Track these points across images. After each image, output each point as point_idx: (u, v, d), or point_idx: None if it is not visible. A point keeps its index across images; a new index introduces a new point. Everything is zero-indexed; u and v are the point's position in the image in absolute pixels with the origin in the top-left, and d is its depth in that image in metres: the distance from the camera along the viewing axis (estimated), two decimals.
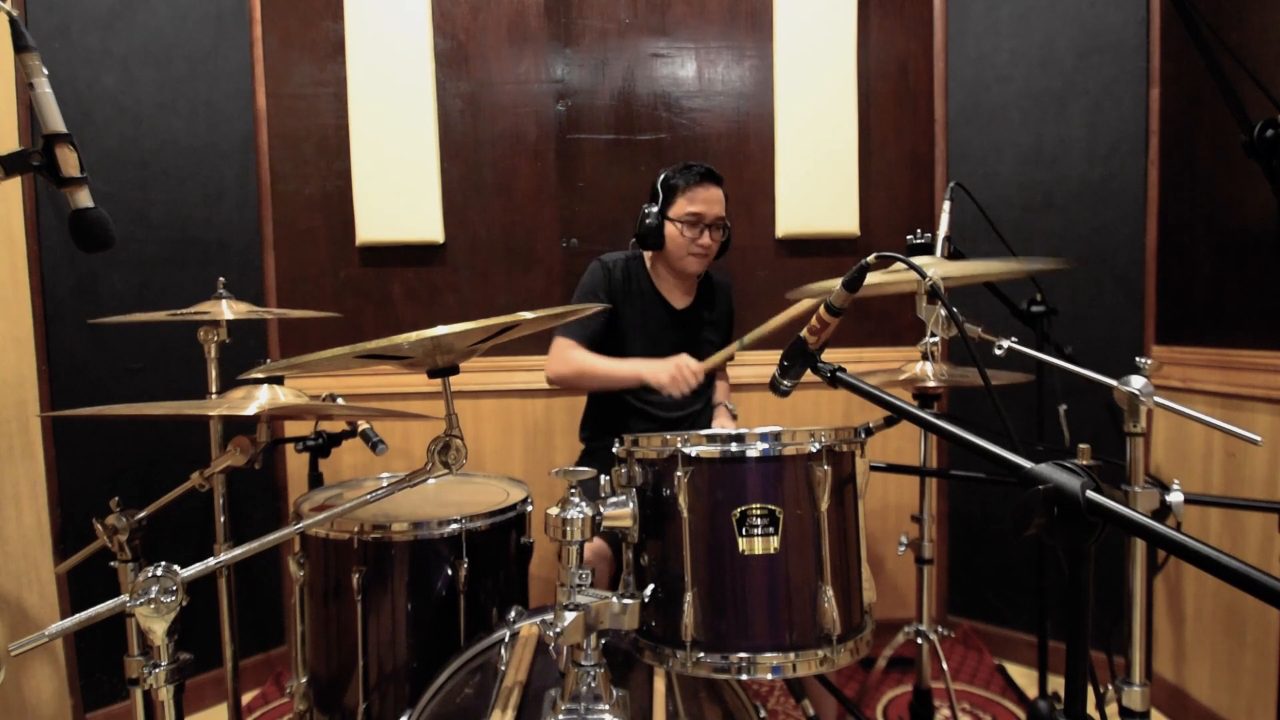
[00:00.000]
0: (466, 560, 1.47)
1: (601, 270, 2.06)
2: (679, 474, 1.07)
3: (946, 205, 1.72)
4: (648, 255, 2.11)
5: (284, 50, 2.51)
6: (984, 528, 2.63)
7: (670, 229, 1.99)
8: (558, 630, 0.99)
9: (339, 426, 1.89)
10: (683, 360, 1.85)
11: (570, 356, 1.97)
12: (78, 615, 0.85)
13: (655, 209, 2.00)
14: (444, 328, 0.96)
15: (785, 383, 1.09)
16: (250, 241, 2.50)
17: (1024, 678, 2.41)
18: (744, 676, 1.06)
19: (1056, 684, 2.01)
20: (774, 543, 1.06)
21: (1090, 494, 0.68)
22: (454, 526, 1.47)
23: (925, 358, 1.85)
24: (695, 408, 2.14)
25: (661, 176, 2.03)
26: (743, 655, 1.05)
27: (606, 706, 1.01)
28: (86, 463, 2.12)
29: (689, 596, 1.06)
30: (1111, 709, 1.20)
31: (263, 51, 2.50)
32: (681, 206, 1.98)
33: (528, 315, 1.04)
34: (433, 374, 1.10)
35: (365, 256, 2.56)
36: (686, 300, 2.13)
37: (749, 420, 2.43)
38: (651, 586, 1.10)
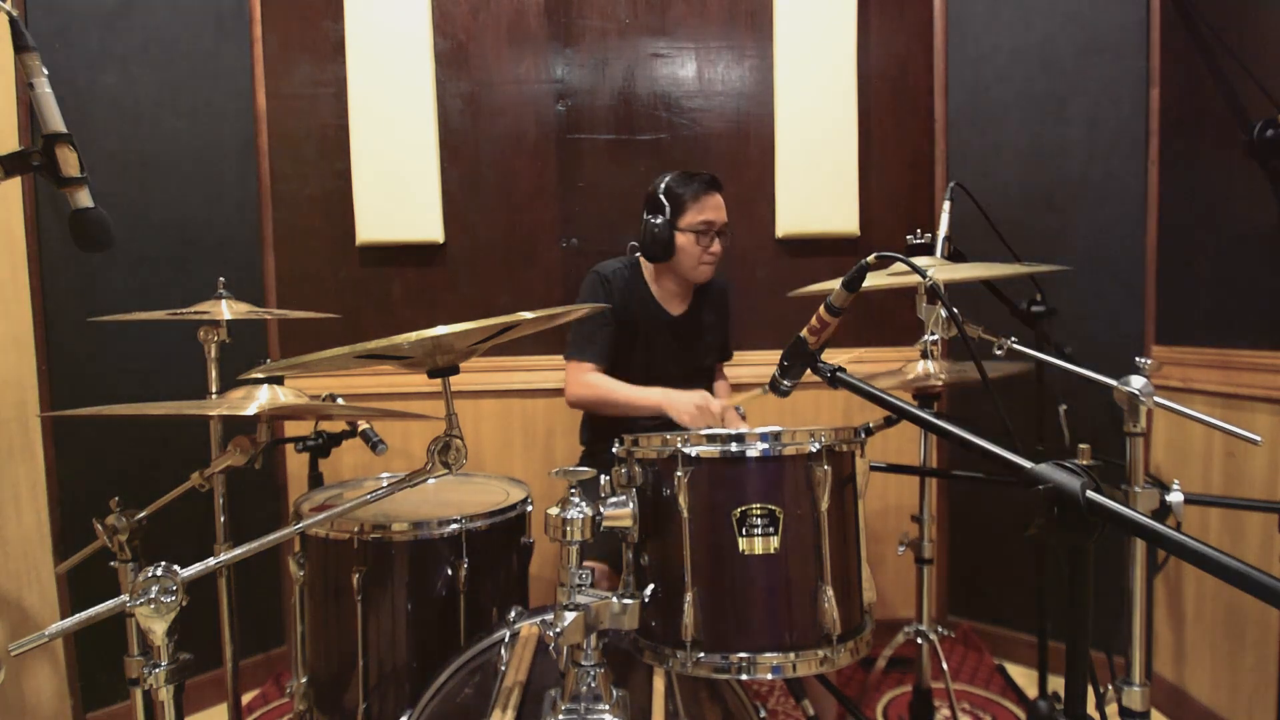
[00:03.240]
0: (466, 560, 1.47)
1: (598, 282, 2.04)
2: (679, 474, 1.07)
3: (946, 205, 1.72)
4: (646, 264, 2.10)
5: (284, 50, 2.51)
6: (984, 528, 2.63)
7: (682, 239, 1.98)
8: (558, 630, 0.99)
9: (339, 426, 1.89)
10: (708, 400, 1.83)
11: (590, 381, 1.98)
12: (78, 615, 0.85)
13: (662, 219, 1.98)
14: (444, 328, 0.96)
15: (785, 383, 1.09)
16: (250, 241, 2.50)
17: (1024, 678, 2.41)
18: (744, 676, 1.06)
19: (1056, 684, 2.01)
20: (774, 543, 1.06)
21: (1090, 494, 0.68)
22: (454, 526, 1.47)
23: (925, 357, 1.85)
24: None
25: (662, 185, 2.00)
26: (743, 655, 1.05)
27: (606, 706, 1.01)
28: (86, 463, 2.12)
29: (689, 596, 1.06)
30: (1111, 709, 1.20)
31: (263, 51, 2.50)
32: (693, 216, 1.97)
33: (528, 315, 1.04)
34: (433, 374, 1.10)
35: (365, 256, 2.56)
36: (683, 307, 2.12)
37: (749, 420, 2.43)
38: (651, 586, 1.10)
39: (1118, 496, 0.68)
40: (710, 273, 2.04)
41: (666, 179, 2.01)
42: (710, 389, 2.23)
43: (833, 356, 1.07)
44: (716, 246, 2.00)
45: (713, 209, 1.99)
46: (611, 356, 2.02)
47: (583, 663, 1.03)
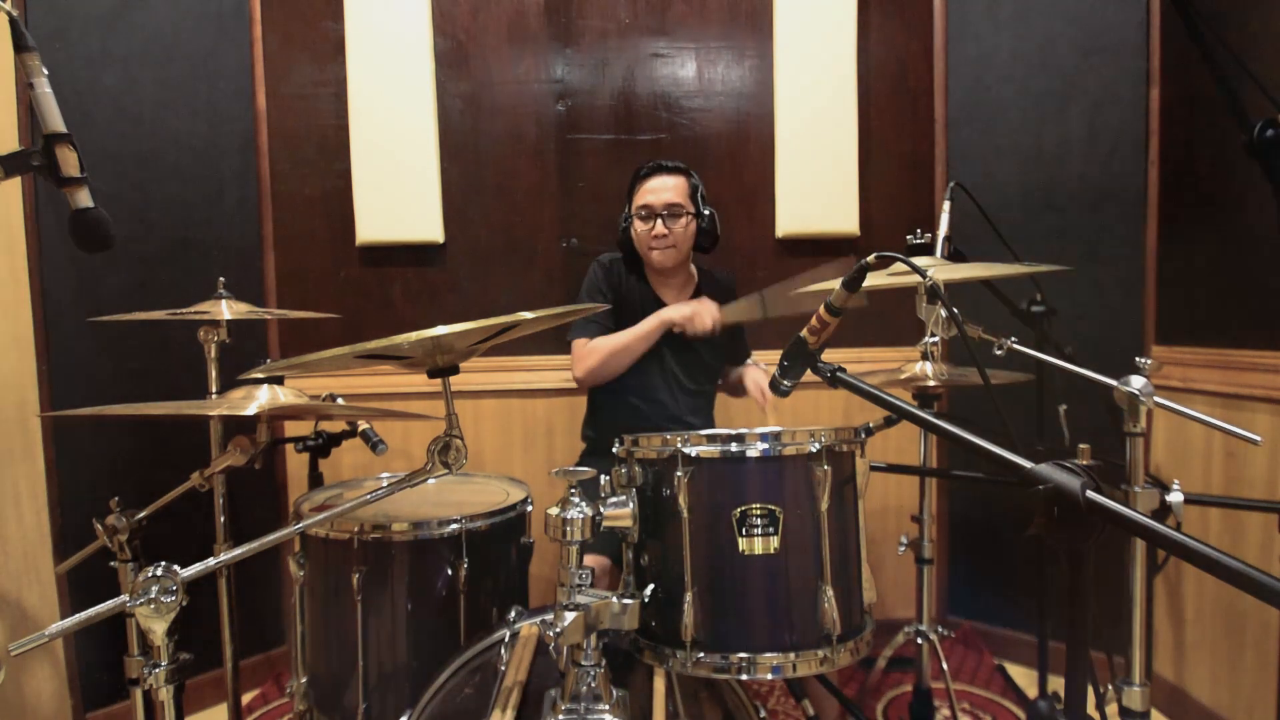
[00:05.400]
0: (466, 560, 1.47)
1: (600, 270, 2.08)
2: (679, 474, 1.07)
3: (946, 205, 1.72)
4: None
5: (284, 50, 2.51)
6: (984, 528, 2.63)
7: (633, 228, 2.03)
8: (558, 630, 0.99)
9: (339, 426, 1.89)
10: (706, 304, 1.95)
11: (591, 349, 1.99)
12: (78, 615, 0.85)
13: (624, 214, 2.07)
14: (444, 328, 0.96)
15: (785, 383, 1.08)
16: (250, 241, 2.50)
17: (1024, 678, 2.40)
18: (744, 676, 1.06)
19: (1056, 684, 2.01)
20: (774, 543, 1.06)
21: (1090, 494, 0.68)
22: (454, 526, 1.47)
23: (925, 358, 1.85)
24: (697, 406, 2.14)
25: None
26: (743, 655, 1.05)
27: (606, 706, 1.01)
28: (86, 463, 2.12)
29: (689, 596, 1.06)
30: (1111, 709, 1.19)
31: (263, 51, 2.49)
32: (636, 201, 2.02)
33: (528, 315, 1.04)
34: (433, 374, 1.10)
35: (365, 256, 2.56)
36: (682, 296, 2.12)
37: (749, 420, 2.43)
38: (651, 586, 1.10)
39: (1118, 496, 0.68)
40: (665, 257, 2.01)
41: None
42: (713, 387, 2.22)
43: (829, 357, 1.07)
44: (660, 228, 1.97)
45: (650, 192, 1.99)
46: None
47: (583, 663, 1.03)
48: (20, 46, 0.98)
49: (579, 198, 2.60)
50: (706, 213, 2.04)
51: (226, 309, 1.70)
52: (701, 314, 1.92)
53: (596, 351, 1.97)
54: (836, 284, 1.01)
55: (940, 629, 1.92)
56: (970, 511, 2.66)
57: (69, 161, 1.00)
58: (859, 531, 1.14)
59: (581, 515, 1.04)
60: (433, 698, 1.23)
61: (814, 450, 1.07)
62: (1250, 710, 1.93)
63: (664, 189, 1.99)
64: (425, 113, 2.50)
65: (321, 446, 1.87)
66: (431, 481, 1.29)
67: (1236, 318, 1.99)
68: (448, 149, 2.55)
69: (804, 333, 1.04)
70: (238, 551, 0.97)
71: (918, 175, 2.65)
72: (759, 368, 2.15)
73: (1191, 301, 2.16)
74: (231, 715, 1.81)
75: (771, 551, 1.06)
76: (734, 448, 1.08)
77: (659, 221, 1.97)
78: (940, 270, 1.50)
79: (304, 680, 1.54)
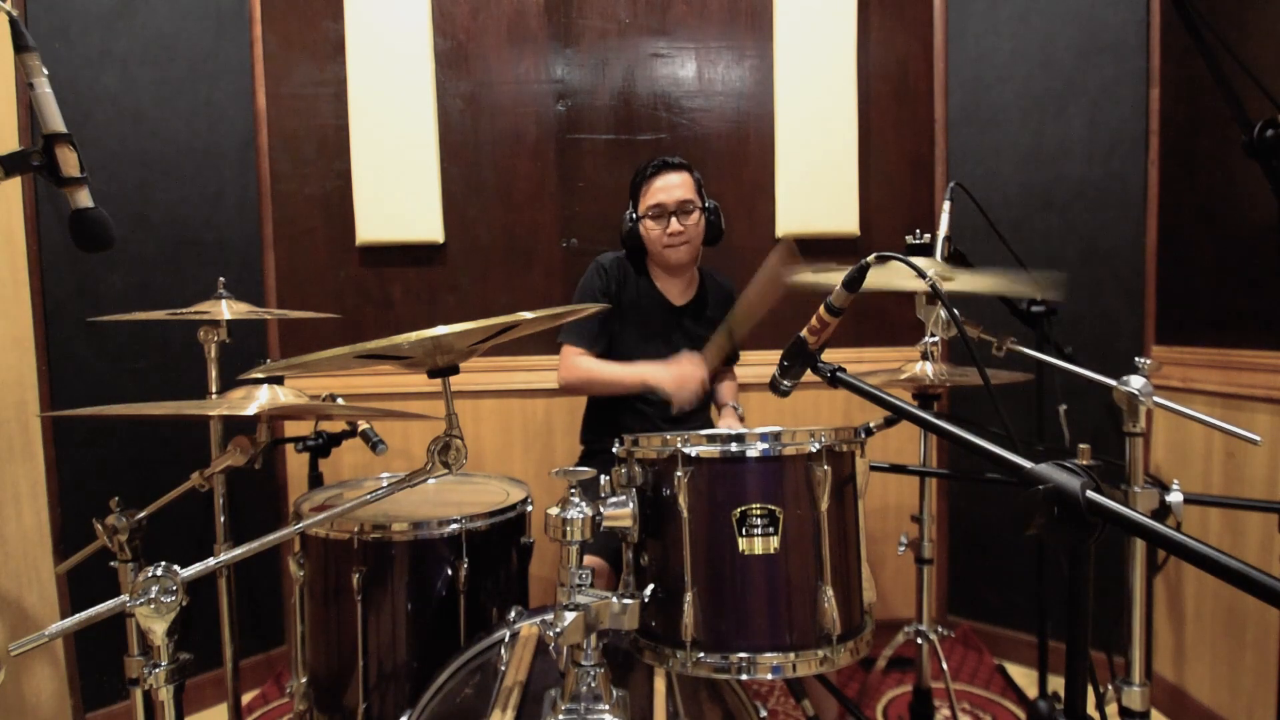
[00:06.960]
0: (466, 560, 1.47)
1: (598, 272, 2.06)
2: (679, 474, 1.07)
3: (946, 205, 1.72)
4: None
5: (284, 50, 2.51)
6: (984, 528, 2.63)
7: (643, 228, 2.02)
8: (558, 630, 0.99)
9: (339, 426, 1.89)
10: (686, 367, 1.87)
11: (577, 363, 1.99)
12: (78, 615, 0.85)
13: (630, 212, 2.05)
14: (444, 328, 0.96)
15: (785, 383, 1.08)
16: (250, 241, 2.50)
17: (1024, 678, 2.40)
18: (744, 676, 1.06)
19: (1056, 684, 2.01)
20: (774, 543, 1.06)
21: (1090, 494, 0.68)
22: (454, 526, 1.47)
23: (925, 358, 1.85)
24: (695, 408, 2.14)
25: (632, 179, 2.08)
26: (743, 655, 1.05)
27: (606, 706, 1.01)
28: (86, 463, 2.12)
29: (689, 596, 1.06)
30: (1111, 709, 1.20)
31: (263, 51, 2.50)
32: (644, 202, 2.01)
33: (528, 315, 1.04)
34: (433, 374, 1.10)
35: (365, 256, 2.56)
36: (686, 297, 2.12)
37: (749, 420, 2.43)
38: (651, 586, 1.10)
39: (1118, 496, 0.68)
40: (683, 254, 2.01)
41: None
42: (712, 387, 2.23)
43: (829, 357, 1.07)
44: (675, 226, 1.98)
45: (660, 190, 1.99)
46: (615, 345, 2.03)
47: (583, 663, 1.03)
48: (20, 46, 0.98)
49: (579, 198, 2.60)
50: (710, 205, 2.05)
51: (226, 309, 1.70)
52: (687, 381, 1.86)
53: (581, 371, 1.98)
54: (837, 284, 1.01)
55: (940, 629, 1.92)
56: (970, 511, 2.66)
57: (69, 161, 1.00)
58: (859, 531, 1.14)
59: (581, 515, 1.04)
60: (433, 698, 1.23)
61: (814, 450, 1.07)
62: (1250, 710, 1.93)
63: (674, 186, 2.00)
64: (425, 113, 2.50)
65: (321, 446, 1.87)
66: (431, 481, 1.29)
67: (1236, 318, 1.99)
68: (448, 149, 2.55)
69: (804, 333, 1.04)
70: (238, 551, 0.97)
71: (918, 175, 2.65)
72: (735, 414, 2.15)
73: (1191, 301, 2.16)
74: (231, 715, 1.81)
75: (771, 551, 1.06)
76: (734, 448, 1.08)
77: (673, 219, 1.98)
78: (944, 283, 1.49)
79: (304, 680, 1.54)
